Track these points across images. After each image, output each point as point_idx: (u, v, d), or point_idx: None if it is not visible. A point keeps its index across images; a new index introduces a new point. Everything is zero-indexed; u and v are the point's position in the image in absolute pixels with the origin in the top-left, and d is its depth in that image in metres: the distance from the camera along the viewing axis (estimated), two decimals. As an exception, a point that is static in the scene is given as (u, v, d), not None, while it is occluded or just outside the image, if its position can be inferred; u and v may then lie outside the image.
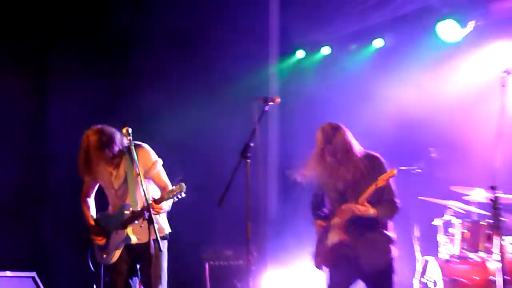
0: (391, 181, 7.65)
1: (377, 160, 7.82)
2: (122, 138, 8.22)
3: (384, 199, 7.64)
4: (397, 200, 7.68)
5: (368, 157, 7.81)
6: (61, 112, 11.68)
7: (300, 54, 13.12)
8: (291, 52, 13.08)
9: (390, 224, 7.81)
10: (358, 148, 7.82)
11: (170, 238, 8.55)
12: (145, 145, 8.44)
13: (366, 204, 7.52)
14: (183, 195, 8.06)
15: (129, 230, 8.29)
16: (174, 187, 8.06)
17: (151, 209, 7.79)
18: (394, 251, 7.76)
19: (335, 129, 7.84)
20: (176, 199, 8.11)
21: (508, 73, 7.81)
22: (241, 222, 7.76)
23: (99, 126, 8.31)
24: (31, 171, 11.46)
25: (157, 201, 8.05)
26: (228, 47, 12.10)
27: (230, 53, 12.26)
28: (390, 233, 7.79)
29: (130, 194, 8.31)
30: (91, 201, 8.72)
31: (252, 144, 7.88)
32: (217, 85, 12.35)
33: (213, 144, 11.63)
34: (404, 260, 10.60)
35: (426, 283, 10.30)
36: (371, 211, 7.53)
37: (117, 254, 8.36)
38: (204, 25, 11.71)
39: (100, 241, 8.46)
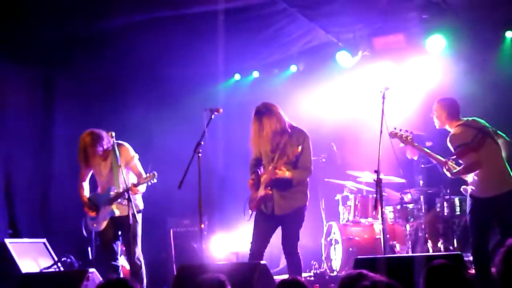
0: (308, 150, 7.70)
1: (302, 133, 7.77)
2: (108, 137, 8.26)
3: (300, 164, 7.64)
4: (310, 165, 7.72)
5: (295, 131, 7.75)
6: (63, 125, 11.57)
7: (237, 76, 13.08)
8: (231, 75, 13.04)
9: (307, 181, 7.83)
10: (286, 122, 7.74)
11: (144, 212, 8.59)
12: (126, 144, 8.52)
13: (283, 168, 7.53)
14: (155, 181, 8.26)
15: (113, 206, 8.36)
16: (148, 174, 8.24)
17: (130, 191, 8.03)
18: (305, 200, 7.79)
19: (269, 108, 7.77)
20: (150, 184, 8.32)
21: (387, 89, 7.86)
22: (195, 199, 7.75)
23: (89, 130, 8.40)
24: (42, 165, 11.33)
25: (135, 185, 8.24)
26: (185, 72, 12.07)
27: (187, 76, 12.23)
28: (306, 189, 7.81)
29: (115, 180, 8.35)
30: (85, 184, 8.72)
31: (202, 143, 7.87)
32: (176, 99, 12.32)
33: (175, 143, 11.52)
34: (314, 225, 10.71)
35: (330, 241, 10.36)
36: (287, 174, 7.55)
37: (104, 223, 8.42)
38: (170, 58, 11.63)
39: (92, 213, 8.48)
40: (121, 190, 8.23)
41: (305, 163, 7.69)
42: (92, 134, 8.31)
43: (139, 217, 8.34)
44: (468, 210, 7.89)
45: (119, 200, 8.27)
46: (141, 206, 8.56)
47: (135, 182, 8.31)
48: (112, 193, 8.33)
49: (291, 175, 7.60)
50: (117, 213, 8.35)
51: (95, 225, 8.47)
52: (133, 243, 8.25)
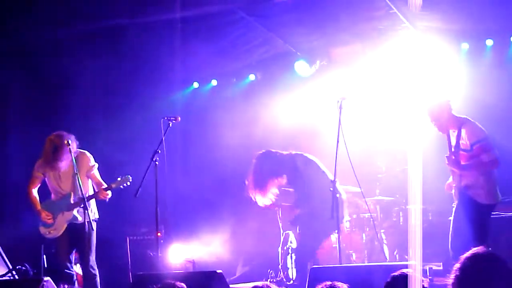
0: None
1: None
2: (76, 142, 8.15)
3: None
4: None
5: None
6: (18, 132, 11.43)
7: (196, 85, 13.03)
8: (190, 84, 12.98)
9: None
10: None
11: (101, 219, 8.50)
12: (87, 152, 8.42)
13: None
14: (128, 184, 8.31)
15: (75, 211, 8.25)
16: (121, 178, 8.30)
17: (99, 194, 8.21)
18: None
19: None
20: (123, 187, 8.33)
21: (344, 99, 7.89)
22: (152, 207, 7.77)
23: (57, 132, 8.19)
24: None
25: (105, 189, 8.28)
26: (143, 80, 11.99)
27: (145, 84, 12.12)
28: None
29: (74, 187, 8.17)
30: (35, 191, 8.50)
31: (159, 151, 7.83)
32: (134, 108, 12.15)
33: (132, 150, 11.41)
34: (271, 234, 10.69)
35: (287, 249, 10.32)
36: None
37: (61, 230, 8.29)
38: (127, 66, 11.52)
39: (49, 220, 8.30)
40: (82, 197, 8.02)
41: None
42: (62, 136, 8.07)
43: (94, 225, 8.24)
44: (467, 212, 7.45)
45: (81, 205, 8.04)
46: (97, 215, 8.45)
47: (92, 191, 8.29)
48: (71, 199, 8.22)
49: None
50: (80, 219, 8.21)
51: (51, 231, 8.32)
52: (88, 251, 8.15)
